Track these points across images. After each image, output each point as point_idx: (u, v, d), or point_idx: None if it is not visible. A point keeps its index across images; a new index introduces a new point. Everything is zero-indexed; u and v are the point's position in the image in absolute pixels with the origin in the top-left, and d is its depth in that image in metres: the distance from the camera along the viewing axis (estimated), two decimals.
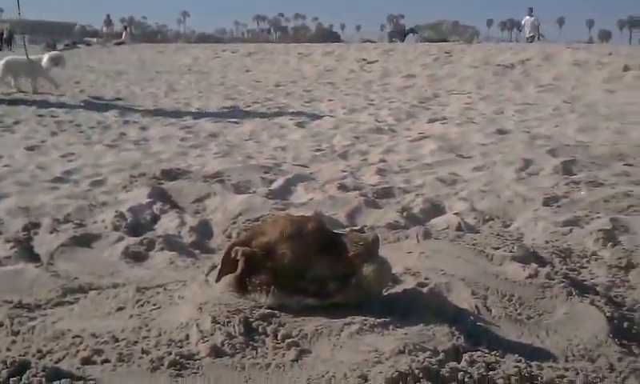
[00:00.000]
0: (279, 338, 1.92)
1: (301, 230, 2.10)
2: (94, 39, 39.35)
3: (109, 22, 40.27)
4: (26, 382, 1.65)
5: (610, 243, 3.17)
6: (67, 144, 6.37)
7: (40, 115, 8.49)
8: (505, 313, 2.24)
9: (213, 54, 20.12)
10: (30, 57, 10.97)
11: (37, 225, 3.49)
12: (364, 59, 14.85)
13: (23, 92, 10.69)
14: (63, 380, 1.65)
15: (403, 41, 27.14)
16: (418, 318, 2.06)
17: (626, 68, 10.70)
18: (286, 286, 2.06)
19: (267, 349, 1.87)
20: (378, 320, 1.97)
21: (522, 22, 26.68)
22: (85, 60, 21.26)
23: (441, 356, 1.77)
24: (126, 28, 39.62)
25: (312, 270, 2.06)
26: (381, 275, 2.08)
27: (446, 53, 13.50)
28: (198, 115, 8.56)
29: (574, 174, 4.67)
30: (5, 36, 48.84)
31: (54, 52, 11.00)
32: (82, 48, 33.36)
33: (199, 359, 1.83)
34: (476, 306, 2.25)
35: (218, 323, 1.96)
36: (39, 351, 1.91)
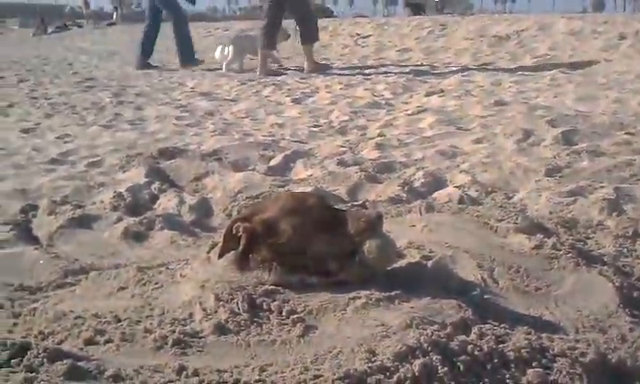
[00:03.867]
0: (284, 314, 1.90)
1: (302, 207, 2.08)
2: (84, 21, 39.04)
3: (86, 3, 40.04)
4: (28, 363, 1.62)
5: (615, 213, 3.14)
6: (62, 126, 6.30)
7: (34, 98, 8.40)
8: (512, 285, 2.22)
9: (205, 32, 19.91)
10: (251, 34, 10.54)
11: (35, 207, 3.46)
12: (358, 34, 14.70)
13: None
14: (66, 360, 1.62)
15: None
16: (424, 292, 2.03)
17: (622, 36, 10.62)
18: (288, 263, 2.03)
19: (272, 325, 1.85)
20: (384, 294, 1.95)
21: None
22: (77, 41, 21.07)
23: (449, 329, 1.74)
24: (116, 8, 39.27)
25: (313, 247, 2.03)
26: (385, 252, 2.05)
27: (440, 25, 13.37)
28: (193, 94, 8.48)
29: (575, 144, 4.63)
30: None
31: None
32: (73, 29, 33.09)
33: (203, 337, 1.81)
34: (482, 279, 2.23)
35: (222, 301, 1.93)
36: (41, 333, 1.88)
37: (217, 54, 10.77)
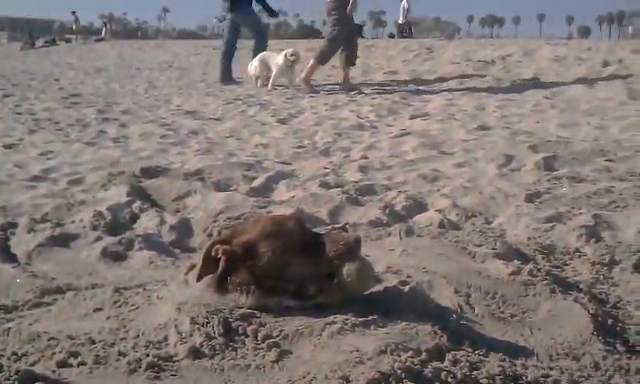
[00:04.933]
0: (259, 338, 1.89)
1: (281, 230, 2.07)
2: (73, 36, 39.08)
3: (75, 19, 40.21)
4: None
5: (593, 239, 3.16)
6: (45, 142, 6.28)
7: (18, 113, 8.37)
8: (488, 311, 2.22)
9: (193, 51, 19.99)
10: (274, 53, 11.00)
11: (14, 224, 3.43)
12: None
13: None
14: (37, 383, 1.61)
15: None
16: (400, 317, 2.03)
17: (605, 63, 10.76)
18: (266, 286, 2.03)
19: (247, 350, 1.84)
20: (360, 319, 1.95)
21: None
22: (64, 57, 21.03)
23: (423, 356, 1.74)
24: (105, 24, 39.42)
25: (292, 270, 2.03)
26: (363, 275, 2.05)
27: (427, 49, 13.49)
28: (179, 112, 8.49)
29: (556, 170, 4.68)
30: None
31: (291, 49, 10.95)
32: (61, 45, 33.06)
33: (178, 361, 1.80)
34: (459, 305, 2.23)
35: (197, 324, 1.92)
36: (14, 354, 1.86)
37: (249, 69, 11.17)
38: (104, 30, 37.15)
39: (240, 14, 11.61)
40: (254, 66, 10.98)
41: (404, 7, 24.82)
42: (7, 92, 11.02)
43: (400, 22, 25.41)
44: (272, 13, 12.35)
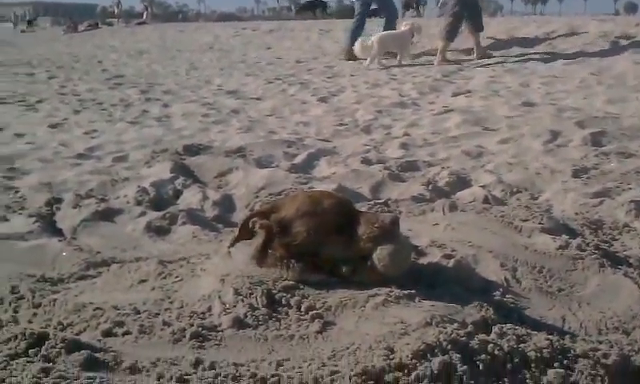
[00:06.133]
0: (303, 309, 1.89)
1: (317, 209, 2.05)
2: (115, 20, 39.55)
3: (118, 2, 40.56)
4: (45, 353, 1.63)
5: None
6: (90, 121, 6.37)
7: (62, 93, 8.51)
8: (535, 285, 2.18)
9: (233, 32, 20.00)
10: (396, 30, 11.16)
11: (59, 200, 3.49)
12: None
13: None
14: (83, 351, 1.63)
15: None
16: (444, 290, 2.02)
17: None
18: (305, 262, 2.02)
19: (290, 321, 1.85)
20: (404, 292, 1.93)
21: None
22: (107, 40, 21.28)
23: (469, 328, 1.72)
24: (147, 8, 39.65)
25: (325, 251, 2.02)
26: (396, 259, 2.00)
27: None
28: (220, 92, 8.52)
29: (604, 146, 4.55)
30: (28, 17, 49.50)
31: (411, 22, 11.18)
32: (104, 28, 33.47)
33: (221, 331, 1.81)
34: (505, 278, 2.20)
35: (241, 295, 1.93)
36: (60, 324, 1.90)
37: (356, 48, 11.00)
38: (145, 13, 37.34)
39: None
40: (372, 43, 10.75)
41: None
42: (52, 74, 11.21)
43: None
44: None
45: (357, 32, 11.81)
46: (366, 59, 10.77)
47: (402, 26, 11.17)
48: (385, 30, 11.50)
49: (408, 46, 11.04)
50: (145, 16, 36.61)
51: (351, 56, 11.48)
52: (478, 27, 10.70)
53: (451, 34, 10.52)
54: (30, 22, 47.32)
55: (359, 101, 7.27)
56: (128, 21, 37.44)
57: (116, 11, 42.10)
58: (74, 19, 38.27)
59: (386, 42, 10.80)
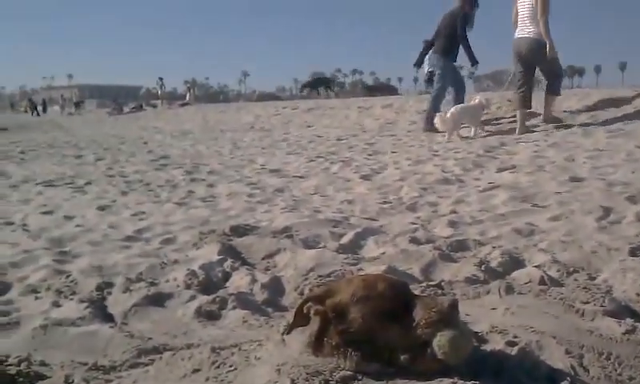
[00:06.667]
0: None
1: (371, 294, 1.98)
2: (159, 101, 40.81)
3: (161, 85, 41.97)
4: None
5: None
6: (137, 203, 6.46)
7: (110, 175, 8.71)
8: (604, 373, 2.07)
9: (274, 111, 20.43)
10: (468, 104, 11.54)
11: (110, 284, 3.50)
12: (425, 110, 14.76)
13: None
14: None
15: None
16: (510, 380, 1.93)
17: None
18: (362, 351, 1.95)
19: None
20: (468, 382, 1.84)
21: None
22: (151, 121, 21.90)
23: None
24: (189, 89, 40.95)
25: (383, 338, 1.94)
26: (458, 345, 1.90)
27: (508, 101, 13.25)
28: (263, 171, 8.62)
29: None
30: (75, 100, 51.44)
31: (479, 98, 11.59)
32: (148, 110, 34.50)
33: None
34: (572, 366, 2.09)
35: None
36: None
37: (437, 122, 11.29)
38: (188, 94, 38.58)
39: (449, 64, 12.22)
40: (449, 117, 10.99)
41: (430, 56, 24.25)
42: (99, 156, 11.52)
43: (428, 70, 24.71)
44: (474, 61, 12.43)
45: (436, 104, 12.15)
46: (445, 132, 11.00)
47: (473, 100, 11.47)
48: (455, 103, 11.73)
49: (480, 119, 11.25)
50: (188, 97, 37.79)
51: (432, 128, 11.68)
52: (554, 90, 10.90)
53: (526, 102, 10.71)
54: (77, 105, 49.19)
55: (403, 178, 7.26)
56: (171, 102, 38.62)
57: (159, 93, 43.51)
58: (119, 101, 39.63)
59: (460, 116, 11.01)
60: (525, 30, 10.56)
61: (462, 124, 11.18)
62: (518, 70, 10.78)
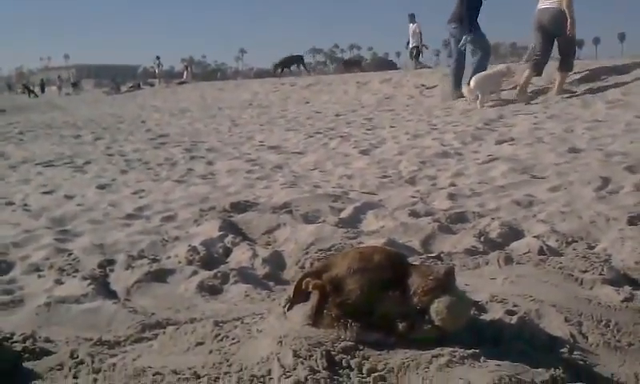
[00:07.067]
0: (364, 372, 1.83)
1: (368, 265, 2.00)
2: (157, 80, 40.64)
3: (158, 63, 41.77)
4: None
5: None
6: (137, 181, 6.48)
7: (109, 154, 8.71)
8: (603, 340, 2.10)
9: (272, 88, 20.35)
10: (490, 71, 11.70)
11: (112, 261, 3.52)
12: (423, 85, 14.72)
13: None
14: None
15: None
16: (510, 348, 1.94)
17: None
18: (361, 321, 1.97)
19: None
20: (468, 351, 1.86)
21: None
22: (149, 100, 21.83)
23: None
24: (187, 67, 40.66)
25: (380, 307, 1.95)
26: (455, 311, 1.91)
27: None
28: (262, 148, 8.62)
29: None
30: (72, 80, 51.28)
31: (503, 66, 12.01)
32: (145, 89, 34.37)
33: None
34: (571, 334, 2.12)
35: (300, 357, 1.88)
36: None
37: (464, 91, 11.60)
38: (185, 72, 38.29)
39: (477, 35, 12.17)
40: (473, 85, 11.21)
41: (415, 31, 24.09)
42: (98, 135, 11.52)
43: (412, 45, 24.59)
44: (469, 31, 12.32)
45: (458, 74, 12.33)
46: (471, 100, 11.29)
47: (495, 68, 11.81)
48: (477, 67, 11.90)
49: (500, 85, 11.51)
50: (185, 76, 37.55)
51: (460, 95, 11.94)
52: (567, 67, 11.05)
53: (538, 69, 10.99)
54: (74, 85, 49.03)
55: (401, 152, 7.27)
56: (169, 81, 38.45)
57: (157, 71, 43.28)
58: (116, 81, 39.46)
59: (483, 83, 11.20)
60: (548, 1, 10.70)
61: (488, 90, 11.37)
62: (538, 41, 10.95)
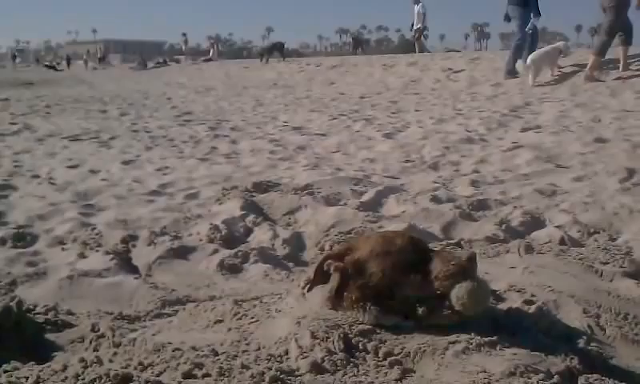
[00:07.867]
0: (380, 355, 1.85)
1: (391, 249, 2.01)
2: (183, 57, 40.73)
3: (185, 40, 41.87)
4: None
5: None
6: (161, 158, 6.53)
7: (134, 130, 8.77)
8: (620, 333, 2.10)
9: (297, 68, 20.32)
10: (546, 48, 12.14)
11: (134, 237, 3.57)
12: (450, 69, 14.60)
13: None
14: None
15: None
16: (527, 338, 1.95)
17: None
18: (380, 305, 1.99)
19: (369, 367, 1.81)
20: (485, 339, 1.87)
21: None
22: (175, 77, 21.92)
23: (555, 378, 1.67)
24: (213, 45, 40.71)
25: (400, 291, 1.96)
26: (475, 296, 1.92)
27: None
28: (285, 128, 8.63)
29: None
30: (99, 55, 51.57)
31: (561, 43, 12.45)
32: (172, 65, 34.49)
33: (300, 375, 1.78)
34: (588, 326, 2.12)
35: (317, 338, 1.90)
36: (140, 364, 1.90)
37: (519, 68, 11.96)
38: (212, 50, 38.34)
39: (525, 15, 12.45)
40: (529, 62, 11.47)
41: (419, 12, 23.47)
42: (123, 111, 11.60)
43: (416, 27, 24.00)
44: (539, 14, 12.73)
45: (518, 52, 12.44)
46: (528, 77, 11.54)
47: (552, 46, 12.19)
48: (530, 49, 12.12)
49: (557, 62, 11.81)
50: (211, 53, 37.58)
51: (513, 75, 12.28)
52: (627, 41, 11.28)
53: (603, 50, 11.14)
54: (101, 60, 49.36)
55: (425, 136, 7.23)
56: (195, 58, 38.49)
57: (183, 48, 43.36)
58: (143, 56, 39.62)
59: (540, 61, 11.57)
60: None
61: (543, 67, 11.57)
62: (607, 19, 11.07)
